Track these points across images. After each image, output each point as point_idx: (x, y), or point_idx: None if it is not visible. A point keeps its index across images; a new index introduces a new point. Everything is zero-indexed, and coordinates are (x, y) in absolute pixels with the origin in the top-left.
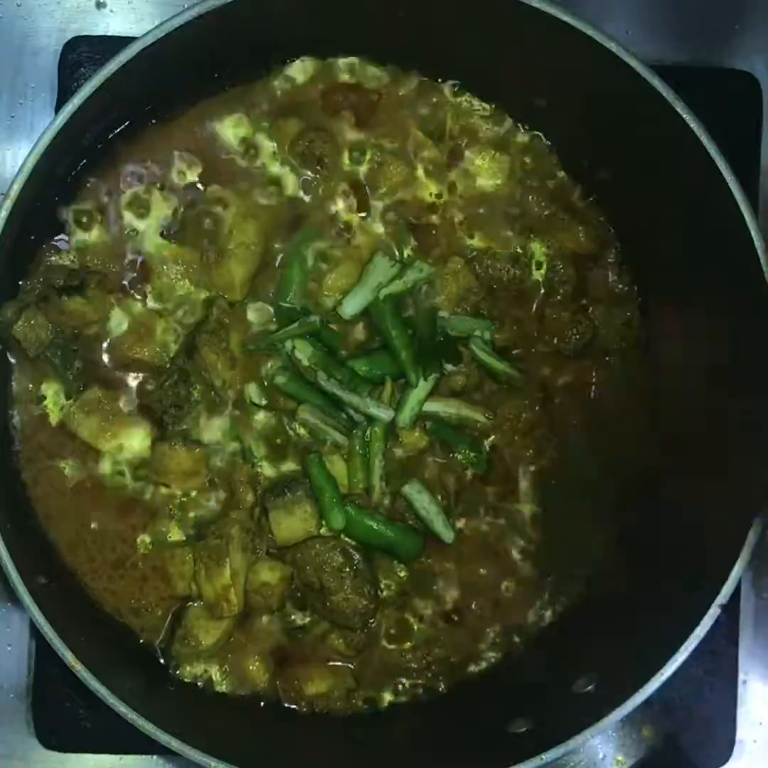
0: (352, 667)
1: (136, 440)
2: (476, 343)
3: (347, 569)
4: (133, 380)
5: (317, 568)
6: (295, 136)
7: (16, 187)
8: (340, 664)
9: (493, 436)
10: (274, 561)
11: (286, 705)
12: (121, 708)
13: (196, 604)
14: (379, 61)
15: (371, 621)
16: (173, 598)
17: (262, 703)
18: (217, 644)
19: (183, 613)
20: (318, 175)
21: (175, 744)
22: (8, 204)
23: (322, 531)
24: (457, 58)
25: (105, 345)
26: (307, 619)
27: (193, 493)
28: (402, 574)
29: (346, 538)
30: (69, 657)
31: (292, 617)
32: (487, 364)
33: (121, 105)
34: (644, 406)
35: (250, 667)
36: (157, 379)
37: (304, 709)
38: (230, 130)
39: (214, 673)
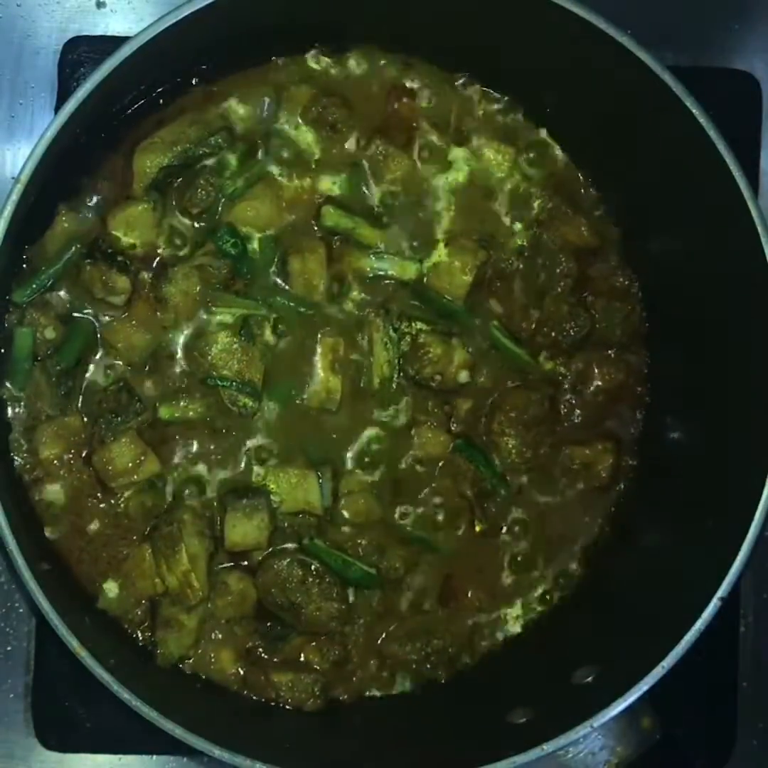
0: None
1: None
2: (495, 327)
3: (310, 579)
4: None
5: (282, 587)
6: (307, 102)
7: (17, 188)
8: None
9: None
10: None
11: (254, 697)
12: (125, 694)
13: (166, 599)
14: (388, 52)
15: (346, 624)
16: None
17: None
18: (195, 634)
19: (157, 607)
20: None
21: (178, 731)
22: (9, 205)
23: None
24: (465, 50)
25: None
26: (284, 632)
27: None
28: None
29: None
30: (74, 643)
31: (268, 625)
32: (506, 349)
33: (121, 103)
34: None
35: (223, 660)
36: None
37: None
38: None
39: (199, 662)
